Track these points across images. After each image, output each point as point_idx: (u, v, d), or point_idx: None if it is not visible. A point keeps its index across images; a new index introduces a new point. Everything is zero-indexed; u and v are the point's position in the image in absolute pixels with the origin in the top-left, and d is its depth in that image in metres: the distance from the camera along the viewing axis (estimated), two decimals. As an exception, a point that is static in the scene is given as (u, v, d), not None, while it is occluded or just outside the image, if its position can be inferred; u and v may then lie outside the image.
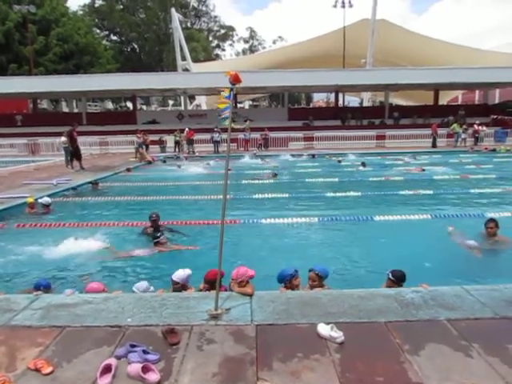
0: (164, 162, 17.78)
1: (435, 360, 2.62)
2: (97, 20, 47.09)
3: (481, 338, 2.87)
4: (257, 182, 12.21)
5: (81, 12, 45.61)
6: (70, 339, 2.93)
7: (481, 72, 23.96)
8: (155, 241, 5.91)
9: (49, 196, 9.11)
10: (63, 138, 15.85)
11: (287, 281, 3.96)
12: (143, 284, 4.05)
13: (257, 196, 9.83)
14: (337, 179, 12.51)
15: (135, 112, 29.43)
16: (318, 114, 27.95)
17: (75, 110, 32.36)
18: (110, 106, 54.05)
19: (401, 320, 3.14)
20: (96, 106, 49.47)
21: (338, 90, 29.35)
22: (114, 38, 51.20)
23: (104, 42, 46.72)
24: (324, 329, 2.93)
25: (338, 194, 10.07)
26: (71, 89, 24.43)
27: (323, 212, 8.05)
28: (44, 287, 3.97)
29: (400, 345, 2.80)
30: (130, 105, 42.20)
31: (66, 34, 34.94)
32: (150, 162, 17.26)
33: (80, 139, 21.24)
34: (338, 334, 2.84)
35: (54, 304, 3.48)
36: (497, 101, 32.18)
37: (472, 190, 10.28)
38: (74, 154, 14.69)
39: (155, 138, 21.86)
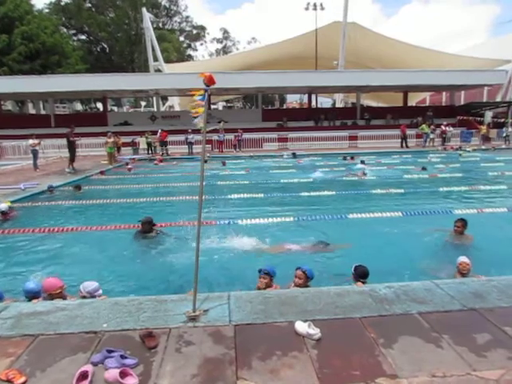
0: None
1: (408, 352, 2.72)
2: (64, 19, 45.44)
3: (450, 329, 3.01)
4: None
5: (47, 10, 43.94)
6: (43, 348, 2.84)
7: (447, 75, 25.03)
8: None
9: (13, 201, 8.75)
10: (31, 141, 15.32)
11: (260, 274, 4.15)
12: (92, 284, 3.89)
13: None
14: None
15: (106, 113, 28.73)
16: (292, 115, 28.27)
17: (42, 112, 31.21)
18: (79, 107, 52.45)
19: (375, 315, 3.24)
20: (64, 107, 47.88)
21: (310, 91, 29.81)
22: (83, 37, 49.66)
23: (72, 41, 45.15)
24: (301, 326, 2.98)
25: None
26: (37, 90, 23.55)
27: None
28: None
29: (375, 339, 2.89)
30: (100, 106, 41.11)
31: (31, 33, 33.48)
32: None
33: (48, 142, 20.70)
34: (315, 331, 2.90)
35: (26, 312, 3.35)
36: (462, 102, 33.68)
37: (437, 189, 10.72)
38: (71, 155, 14.87)
39: (128, 139, 21.45)
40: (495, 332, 2.95)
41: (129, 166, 15.95)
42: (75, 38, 48.47)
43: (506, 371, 2.51)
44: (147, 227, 6.42)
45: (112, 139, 17.44)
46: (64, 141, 20.67)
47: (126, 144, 21.40)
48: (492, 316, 3.19)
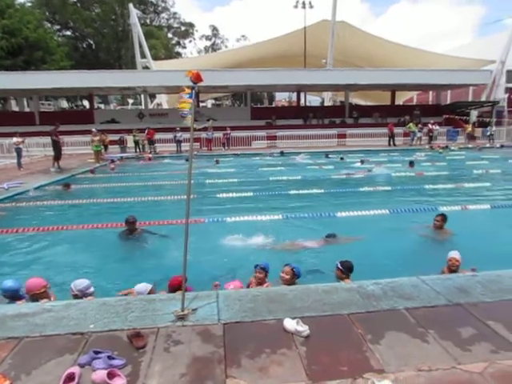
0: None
1: (395, 347, 2.77)
2: (47, 13, 44.32)
3: (436, 324, 3.06)
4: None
5: (29, 4, 42.81)
6: (28, 350, 2.79)
7: (434, 74, 25.38)
8: None
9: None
10: (15, 139, 15.01)
11: (256, 269, 4.18)
12: (83, 282, 3.83)
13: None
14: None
15: (92, 111, 28.29)
16: (281, 114, 28.30)
17: (26, 109, 30.57)
18: (64, 104, 51.53)
19: (363, 311, 3.28)
20: (49, 104, 46.97)
21: (299, 89, 29.87)
22: (68, 33, 48.64)
23: (57, 37, 44.12)
24: (290, 324, 2.99)
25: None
26: (21, 86, 23.01)
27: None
28: None
29: (362, 335, 2.93)
30: (86, 103, 40.46)
31: (12, 27, 32.50)
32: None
33: (33, 140, 20.30)
34: (304, 328, 2.92)
35: (10, 314, 3.29)
36: (448, 101, 34.20)
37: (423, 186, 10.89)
38: (56, 153, 14.64)
39: (115, 137, 21.18)
40: (479, 326, 3.02)
41: (111, 166, 15.70)
42: (60, 34, 47.42)
43: (489, 364, 2.57)
44: (132, 226, 6.37)
45: (98, 137, 17.18)
46: (49, 139, 20.37)
47: (113, 142, 21.12)
48: (476, 310, 3.26)
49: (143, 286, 3.87)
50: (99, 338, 2.92)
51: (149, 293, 3.81)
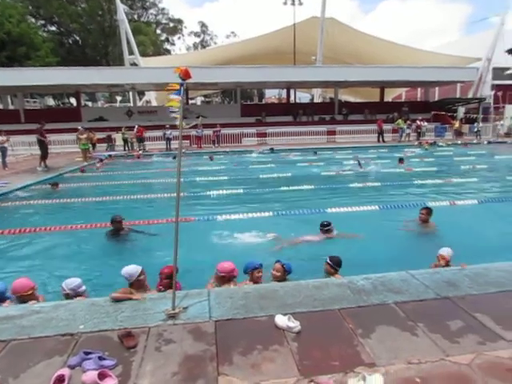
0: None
1: (385, 341, 2.80)
2: (31, 8, 43.16)
3: (425, 317, 3.11)
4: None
5: (11, -3, 41.65)
6: (16, 353, 2.74)
7: (422, 71, 25.64)
8: None
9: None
10: (0, 138, 14.69)
11: (250, 271, 4.08)
12: (74, 280, 3.77)
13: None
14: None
15: (80, 109, 27.87)
16: (271, 110, 28.28)
17: (11, 107, 29.96)
18: (51, 102, 50.60)
19: (353, 306, 3.31)
20: (35, 102, 46.04)
21: (289, 86, 29.89)
22: (53, 28, 47.60)
23: (41, 32, 43.05)
24: (281, 320, 3.01)
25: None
26: (5, 83, 22.51)
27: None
28: None
29: (353, 329, 2.96)
30: (74, 101, 39.76)
31: (-6, 21, 31.60)
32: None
33: (18, 139, 19.92)
34: (295, 324, 2.93)
35: (-4, 316, 3.24)
36: (436, 98, 34.59)
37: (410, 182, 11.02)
38: (42, 152, 14.36)
39: (104, 136, 20.92)
40: (467, 318, 3.08)
41: (97, 165, 15.48)
42: (45, 29, 46.35)
43: (476, 355, 2.62)
44: (118, 225, 6.28)
45: (85, 135, 16.89)
46: (35, 137, 20.00)
47: (101, 140, 20.85)
48: (464, 303, 3.32)
49: (133, 268, 3.79)
50: (89, 339, 2.89)
51: (139, 275, 3.77)
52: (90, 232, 6.78)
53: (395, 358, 2.61)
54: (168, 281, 3.73)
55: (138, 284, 3.76)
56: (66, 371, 2.45)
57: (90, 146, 18.22)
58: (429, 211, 6.40)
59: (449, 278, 3.85)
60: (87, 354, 2.60)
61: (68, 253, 5.88)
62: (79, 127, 18.00)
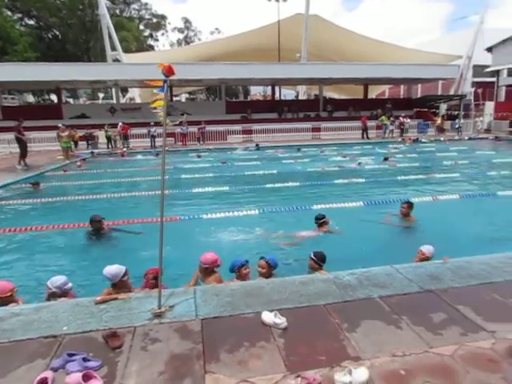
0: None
1: (370, 335, 2.84)
2: (7, 0, 41.68)
3: (409, 310, 3.17)
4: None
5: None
6: (-4, 356, 2.67)
7: (405, 68, 25.97)
8: None
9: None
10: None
11: (237, 269, 4.08)
12: (60, 278, 3.69)
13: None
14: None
15: (61, 105, 27.20)
16: (256, 107, 28.22)
17: (-12, 104, 28.99)
18: (30, 99, 49.30)
19: (339, 301, 3.35)
20: (13, 98, 44.77)
21: (274, 83, 29.87)
22: (31, 22, 46.13)
23: (19, 26, 41.62)
24: (268, 316, 3.01)
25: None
26: (-18, 79, 21.80)
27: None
28: None
29: (339, 324, 2.99)
30: (54, 98, 38.82)
31: (-34, 14, 30.27)
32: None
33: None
34: (281, 320, 2.94)
35: (-25, 320, 3.14)
36: (419, 95, 35.16)
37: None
38: (22, 151, 13.97)
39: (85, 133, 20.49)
40: (449, 311, 3.15)
41: (78, 163, 15.16)
42: (22, 23, 44.92)
43: (458, 346, 2.69)
44: (97, 225, 6.15)
45: (66, 133, 16.48)
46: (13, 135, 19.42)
47: (83, 138, 20.42)
48: (446, 296, 3.39)
49: (116, 268, 3.70)
50: (73, 340, 2.84)
51: (123, 275, 3.71)
52: (72, 232, 6.65)
53: (380, 351, 2.65)
54: (154, 281, 3.69)
55: (121, 284, 3.71)
56: (48, 374, 2.40)
57: (72, 144, 17.82)
58: (410, 205, 6.53)
59: (432, 271, 3.92)
60: (71, 355, 2.55)
61: (49, 253, 5.76)
62: (60, 125, 17.57)
